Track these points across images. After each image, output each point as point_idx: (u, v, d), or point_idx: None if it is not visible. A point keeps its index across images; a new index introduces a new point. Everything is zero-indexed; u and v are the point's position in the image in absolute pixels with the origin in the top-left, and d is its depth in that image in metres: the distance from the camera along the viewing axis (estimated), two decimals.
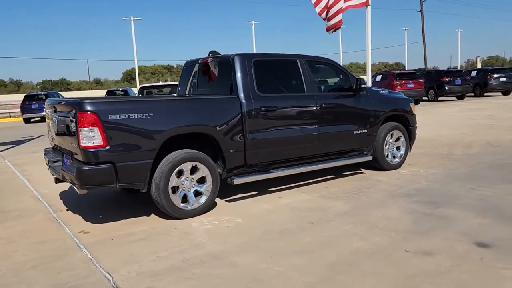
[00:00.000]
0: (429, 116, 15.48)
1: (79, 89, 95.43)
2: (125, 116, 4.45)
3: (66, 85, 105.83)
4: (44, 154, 5.68)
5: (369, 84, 16.29)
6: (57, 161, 5.21)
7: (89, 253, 4.02)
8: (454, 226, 4.32)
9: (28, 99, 23.98)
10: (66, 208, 5.54)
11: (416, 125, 7.38)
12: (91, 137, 4.31)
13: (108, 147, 4.37)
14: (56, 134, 5.07)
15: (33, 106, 23.35)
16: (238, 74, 5.35)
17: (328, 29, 10.00)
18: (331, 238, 4.15)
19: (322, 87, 6.50)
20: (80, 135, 4.31)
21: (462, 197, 5.31)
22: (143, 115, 4.54)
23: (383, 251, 3.79)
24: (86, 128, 4.29)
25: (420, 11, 46.16)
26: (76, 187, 4.51)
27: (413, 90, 19.53)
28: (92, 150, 4.33)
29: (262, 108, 5.37)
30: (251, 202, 5.53)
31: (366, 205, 5.15)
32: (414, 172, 6.78)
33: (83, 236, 4.50)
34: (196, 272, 3.54)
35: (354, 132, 6.35)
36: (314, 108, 5.86)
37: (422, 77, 21.35)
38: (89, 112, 4.29)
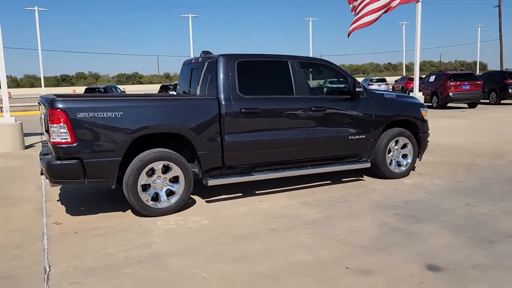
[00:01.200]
0: (478, 122, 14.38)
1: (150, 83, 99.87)
2: (94, 114, 4.60)
3: (139, 78, 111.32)
4: (42, 146, 6.03)
5: (416, 86, 15.52)
6: (47, 154, 5.50)
7: (46, 245, 4.23)
8: (416, 245, 4.01)
9: (89, 91, 25.53)
10: (58, 199, 5.85)
11: (428, 132, 6.91)
12: (60, 134, 4.51)
13: (76, 144, 4.55)
14: (45, 131, 5.37)
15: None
16: (220, 75, 5.33)
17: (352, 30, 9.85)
18: (279, 248, 4.02)
19: (316, 90, 6.29)
20: (51, 131, 4.53)
21: (449, 213, 4.91)
22: (112, 114, 4.67)
23: (321, 266, 3.61)
24: (55, 125, 4.50)
25: (498, 6, 42.95)
26: (47, 181, 4.74)
27: (469, 92, 18.26)
28: (60, 146, 4.54)
29: (242, 110, 5.30)
30: (229, 204, 5.49)
31: (341, 215, 4.93)
32: (418, 182, 6.37)
33: (54, 227, 4.73)
34: (126, 271, 3.60)
35: (350, 137, 6.07)
36: (303, 111, 5.69)
37: (482, 78, 19.87)
38: (58, 110, 4.49)
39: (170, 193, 5.09)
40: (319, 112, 5.80)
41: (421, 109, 6.76)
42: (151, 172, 4.96)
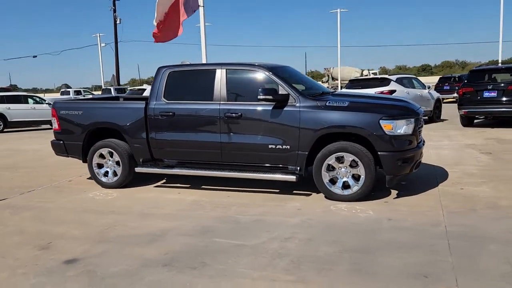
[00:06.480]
0: None
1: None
2: (68, 112, 6.94)
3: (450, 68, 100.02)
4: None
5: None
6: None
7: (37, 190, 6.93)
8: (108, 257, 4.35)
9: (443, 80, 27.06)
10: None
11: (402, 150, 5.38)
12: (55, 124, 7.10)
13: (60, 131, 7.04)
14: None
15: (445, 87, 25.88)
16: (154, 83, 6.50)
17: None
18: (76, 222, 5.23)
19: (244, 96, 6.12)
20: (52, 122, 7.19)
21: (229, 244, 4.45)
22: (77, 112, 6.86)
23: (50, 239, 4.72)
24: (52, 118, 7.12)
25: None
26: None
27: None
28: (55, 131, 7.14)
29: (161, 113, 6.30)
30: (162, 190, 6.62)
31: (163, 217, 5.30)
32: (346, 209, 5.29)
33: (63, 183, 7.42)
34: (7, 213, 5.83)
35: (270, 146, 5.80)
36: (217, 117, 6.00)
37: None
38: (54, 108, 7.08)
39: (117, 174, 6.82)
40: (234, 118, 5.92)
41: (381, 121, 5.36)
42: (105, 156, 6.82)
